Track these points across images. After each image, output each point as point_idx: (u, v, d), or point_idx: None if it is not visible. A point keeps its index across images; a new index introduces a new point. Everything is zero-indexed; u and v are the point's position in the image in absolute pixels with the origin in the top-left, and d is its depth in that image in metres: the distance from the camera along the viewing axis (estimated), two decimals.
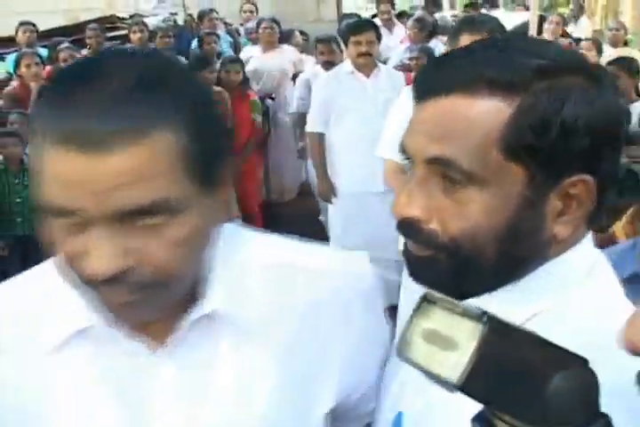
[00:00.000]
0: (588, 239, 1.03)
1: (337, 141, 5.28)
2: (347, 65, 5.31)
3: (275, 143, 7.49)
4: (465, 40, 3.27)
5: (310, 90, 5.99)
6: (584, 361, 0.73)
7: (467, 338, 0.71)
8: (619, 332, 0.70)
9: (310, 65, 7.64)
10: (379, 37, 5.28)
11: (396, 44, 8.29)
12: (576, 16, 10.53)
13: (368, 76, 5.21)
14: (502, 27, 3.52)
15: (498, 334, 0.71)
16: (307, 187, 7.48)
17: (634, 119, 4.67)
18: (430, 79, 0.98)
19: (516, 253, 0.97)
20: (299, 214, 7.25)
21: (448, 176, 0.95)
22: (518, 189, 0.94)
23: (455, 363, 0.71)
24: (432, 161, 0.96)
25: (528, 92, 0.92)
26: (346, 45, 5.28)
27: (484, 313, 0.71)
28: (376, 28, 5.34)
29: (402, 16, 9.94)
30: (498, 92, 0.92)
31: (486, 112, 0.93)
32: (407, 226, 0.99)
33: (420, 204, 0.97)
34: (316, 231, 6.48)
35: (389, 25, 8.91)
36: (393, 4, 9.44)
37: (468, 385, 0.71)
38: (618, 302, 1.00)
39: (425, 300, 0.76)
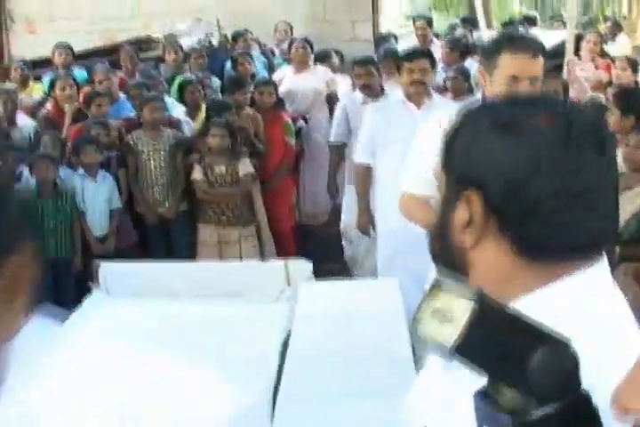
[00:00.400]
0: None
1: (382, 174, 5.02)
2: (397, 93, 5.15)
3: (308, 165, 7.41)
4: (506, 59, 3.05)
5: (347, 117, 6.00)
6: (566, 340, 0.89)
7: (462, 314, 0.92)
8: (614, 389, 0.81)
9: (344, 85, 7.60)
10: (433, 65, 5.11)
11: None
12: (613, 33, 10.33)
13: (419, 106, 4.92)
14: (541, 45, 3.29)
15: (488, 311, 0.92)
16: (339, 211, 7.44)
17: None
18: None
19: (443, 252, 1.22)
20: (330, 238, 7.19)
21: None
22: (444, 188, 1.20)
23: (452, 333, 0.91)
24: None
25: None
26: (399, 72, 5.07)
27: (479, 295, 0.93)
28: (431, 56, 5.16)
29: (437, 37, 9.86)
30: None
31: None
32: None
33: None
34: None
35: (426, 44, 8.79)
36: (430, 23, 9.28)
37: (463, 351, 0.91)
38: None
39: (435, 285, 0.98)
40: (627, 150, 4.20)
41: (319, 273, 6.01)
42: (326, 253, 6.44)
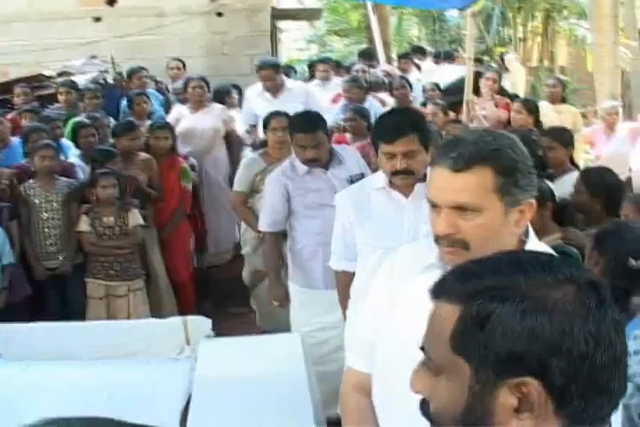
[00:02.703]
0: None
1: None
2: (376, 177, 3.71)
3: (209, 205, 7.36)
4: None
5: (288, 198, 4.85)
6: None
7: None
8: None
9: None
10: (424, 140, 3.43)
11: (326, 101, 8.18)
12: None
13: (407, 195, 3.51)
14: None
15: None
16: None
17: (567, 190, 4.61)
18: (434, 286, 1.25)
19: None
20: (236, 276, 7.12)
21: (429, 363, 1.21)
22: (467, 380, 1.14)
23: None
24: (422, 350, 1.24)
25: (470, 299, 1.15)
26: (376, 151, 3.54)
27: None
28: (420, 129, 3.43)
29: (338, 67, 9.89)
30: (455, 298, 1.18)
31: (445, 314, 1.19)
32: (422, 403, 1.25)
33: (422, 384, 1.24)
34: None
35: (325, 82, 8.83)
36: (331, 63, 9.28)
37: None
38: None
39: None
40: None
41: (227, 316, 5.99)
42: (234, 293, 6.39)
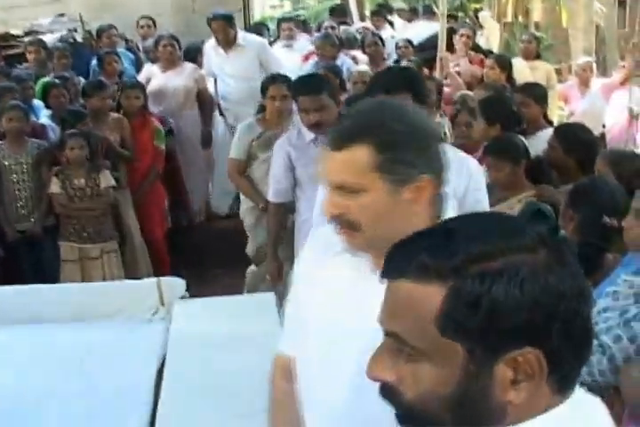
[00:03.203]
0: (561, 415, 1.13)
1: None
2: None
3: (181, 163, 7.30)
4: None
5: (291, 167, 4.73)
6: None
7: None
8: None
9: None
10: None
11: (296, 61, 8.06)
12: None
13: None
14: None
15: None
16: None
17: (541, 146, 4.60)
18: (386, 264, 1.16)
19: (467, 419, 1.11)
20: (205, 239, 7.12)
21: (402, 348, 1.13)
22: (460, 362, 1.08)
23: None
24: (389, 334, 1.15)
25: (458, 276, 1.06)
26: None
27: None
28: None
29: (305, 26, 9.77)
30: (433, 277, 1.08)
31: (424, 295, 1.09)
32: (384, 389, 1.17)
33: (387, 370, 1.15)
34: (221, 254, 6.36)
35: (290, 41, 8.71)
36: (297, 23, 9.14)
37: None
38: None
39: None
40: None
41: (203, 277, 5.96)
42: (209, 253, 6.38)
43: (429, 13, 10.54)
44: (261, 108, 5.73)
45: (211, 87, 7.52)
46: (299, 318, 1.94)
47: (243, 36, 7.35)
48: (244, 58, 7.02)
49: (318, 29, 9.31)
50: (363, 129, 1.69)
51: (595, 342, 2.68)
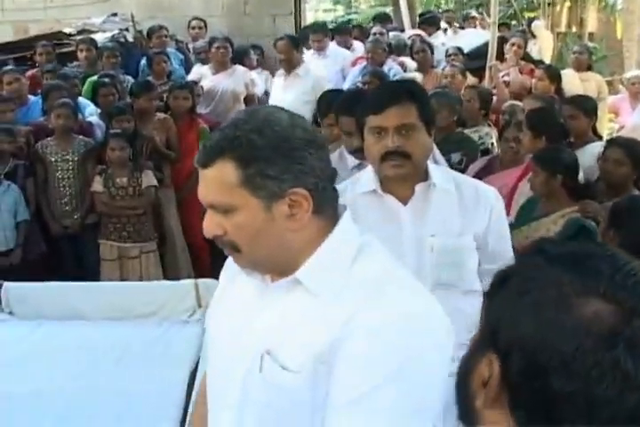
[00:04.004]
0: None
1: None
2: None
3: None
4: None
5: None
6: None
7: None
8: None
9: (263, 80, 7.54)
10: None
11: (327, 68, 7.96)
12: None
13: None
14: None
15: None
16: None
17: (587, 160, 4.53)
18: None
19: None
20: None
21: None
22: (477, 335, 1.12)
23: None
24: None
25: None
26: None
27: None
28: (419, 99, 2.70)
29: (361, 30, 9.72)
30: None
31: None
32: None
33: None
34: None
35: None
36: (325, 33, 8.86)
37: None
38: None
39: None
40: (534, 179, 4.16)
41: None
42: None
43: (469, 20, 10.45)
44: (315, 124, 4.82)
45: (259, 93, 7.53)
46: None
47: (305, 67, 6.98)
48: (298, 90, 6.68)
49: (367, 35, 9.24)
50: (224, 144, 1.57)
51: None
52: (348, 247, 1.64)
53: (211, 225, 1.62)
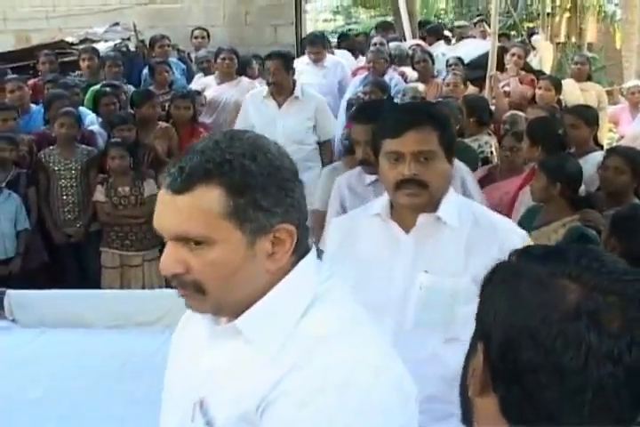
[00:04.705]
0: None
1: None
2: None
3: None
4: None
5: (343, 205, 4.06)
6: None
7: None
8: None
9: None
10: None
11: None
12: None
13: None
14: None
15: None
16: None
17: (589, 169, 4.54)
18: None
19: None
20: None
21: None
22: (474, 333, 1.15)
23: None
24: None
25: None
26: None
27: None
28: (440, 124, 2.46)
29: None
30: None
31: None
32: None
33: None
34: None
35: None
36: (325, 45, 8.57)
37: None
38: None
39: None
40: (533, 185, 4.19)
41: None
42: None
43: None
44: (349, 149, 4.54)
45: None
46: None
47: (301, 88, 6.13)
48: (299, 115, 5.89)
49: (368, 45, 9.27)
50: (211, 167, 1.37)
51: None
52: (301, 296, 1.44)
53: (171, 261, 1.40)
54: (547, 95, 6.41)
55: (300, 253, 1.46)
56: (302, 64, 7.82)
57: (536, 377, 1.04)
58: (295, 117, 5.85)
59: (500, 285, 1.11)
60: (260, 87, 6.48)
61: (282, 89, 5.95)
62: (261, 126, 5.60)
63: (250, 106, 6.07)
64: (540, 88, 6.56)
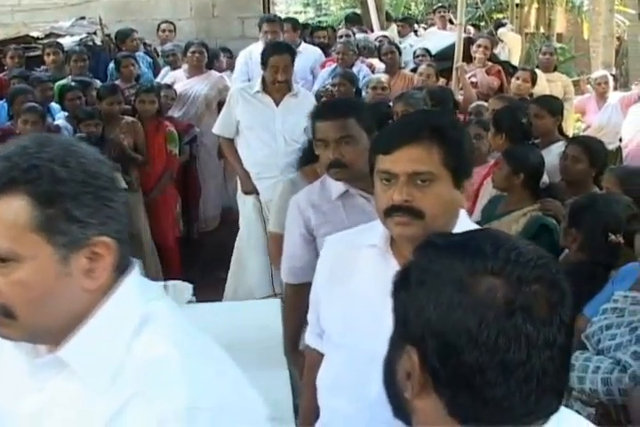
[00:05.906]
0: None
1: None
2: None
3: (201, 170, 7.35)
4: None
5: None
6: None
7: None
8: None
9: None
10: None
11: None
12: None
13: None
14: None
15: None
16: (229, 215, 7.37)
17: (553, 159, 4.57)
18: None
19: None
20: (223, 242, 7.10)
21: None
22: (394, 334, 1.17)
23: None
24: None
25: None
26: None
27: None
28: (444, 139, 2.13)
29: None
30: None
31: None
32: None
33: None
34: (228, 260, 6.35)
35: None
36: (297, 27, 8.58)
37: None
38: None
39: None
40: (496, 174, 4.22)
41: (214, 282, 5.94)
42: (222, 259, 6.36)
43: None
44: (304, 159, 4.16)
45: None
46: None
47: (295, 86, 5.68)
48: (298, 113, 5.14)
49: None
50: (15, 174, 1.23)
51: (609, 359, 2.66)
52: (129, 317, 1.31)
53: None
54: (524, 86, 6.49)
55: (121, 269, 1.33)
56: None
57: (484, 377, 1.06)
58: (294, 115, 5.32)
59: (421, 287, 1.12)
60: (249, 82, 6.09)
61: (283, 88, 5.41)
62: (257, 124, 5.38)
63: (238, 101, 5.49)
64: (517, 78, 6.60)
